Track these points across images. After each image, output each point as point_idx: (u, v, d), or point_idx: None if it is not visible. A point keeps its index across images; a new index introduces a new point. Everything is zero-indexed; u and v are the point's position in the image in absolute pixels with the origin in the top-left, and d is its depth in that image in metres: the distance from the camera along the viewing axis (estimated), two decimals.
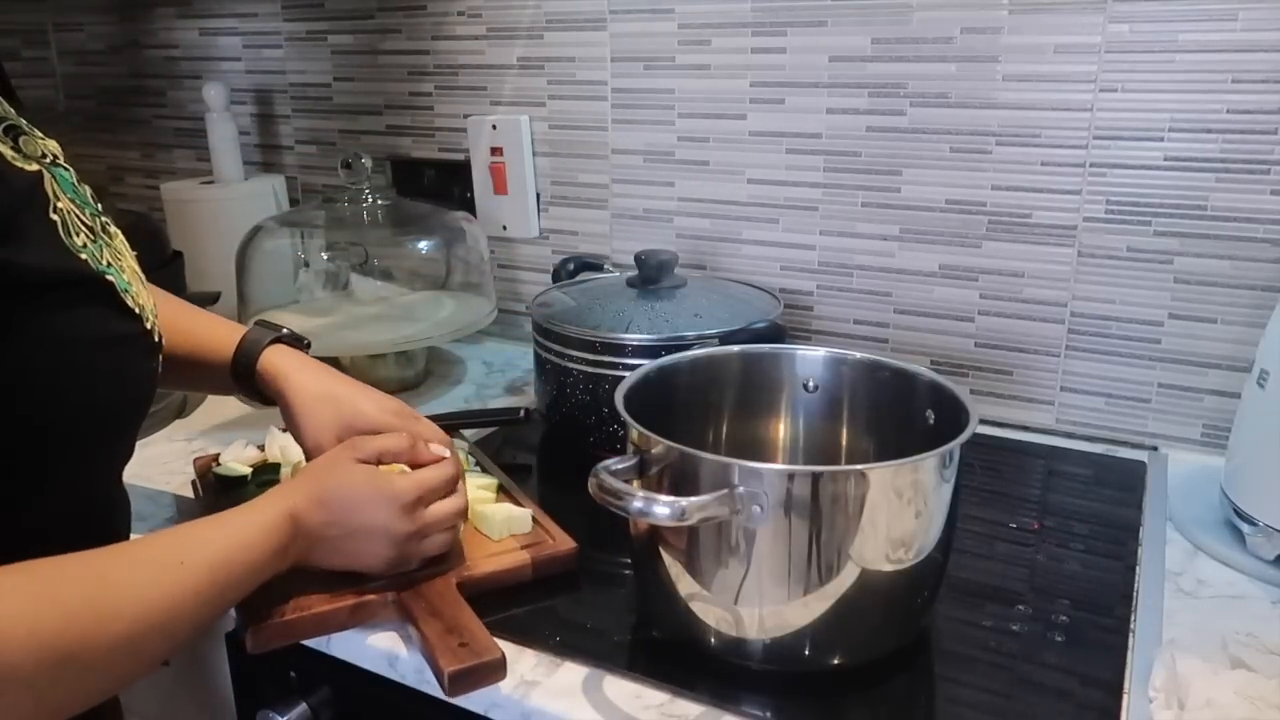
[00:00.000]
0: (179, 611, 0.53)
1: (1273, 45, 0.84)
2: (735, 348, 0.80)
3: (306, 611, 0.65)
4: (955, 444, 0.60)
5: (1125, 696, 0.60)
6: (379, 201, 1.16)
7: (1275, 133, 0.86)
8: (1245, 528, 0.75)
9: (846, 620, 0.60)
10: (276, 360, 0.75)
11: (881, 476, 0.58)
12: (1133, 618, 0.68)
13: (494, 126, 1.24)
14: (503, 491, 0.83)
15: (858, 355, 0.77)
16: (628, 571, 0.74)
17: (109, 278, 0.55)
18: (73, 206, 0.56)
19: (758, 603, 0.59)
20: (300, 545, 0.63)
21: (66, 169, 0.59)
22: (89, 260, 0.54)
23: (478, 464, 0.88)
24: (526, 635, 0.65)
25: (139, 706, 0.72)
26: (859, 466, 0.62)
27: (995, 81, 0.96)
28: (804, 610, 0.59)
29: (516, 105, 1.24)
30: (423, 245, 1.19)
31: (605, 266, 1.14)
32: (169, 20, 1.53)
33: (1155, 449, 0.96)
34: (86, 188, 0.60)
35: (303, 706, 0.72)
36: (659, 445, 0.61)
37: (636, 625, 0.68)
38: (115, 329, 0.55)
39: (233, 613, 0.71)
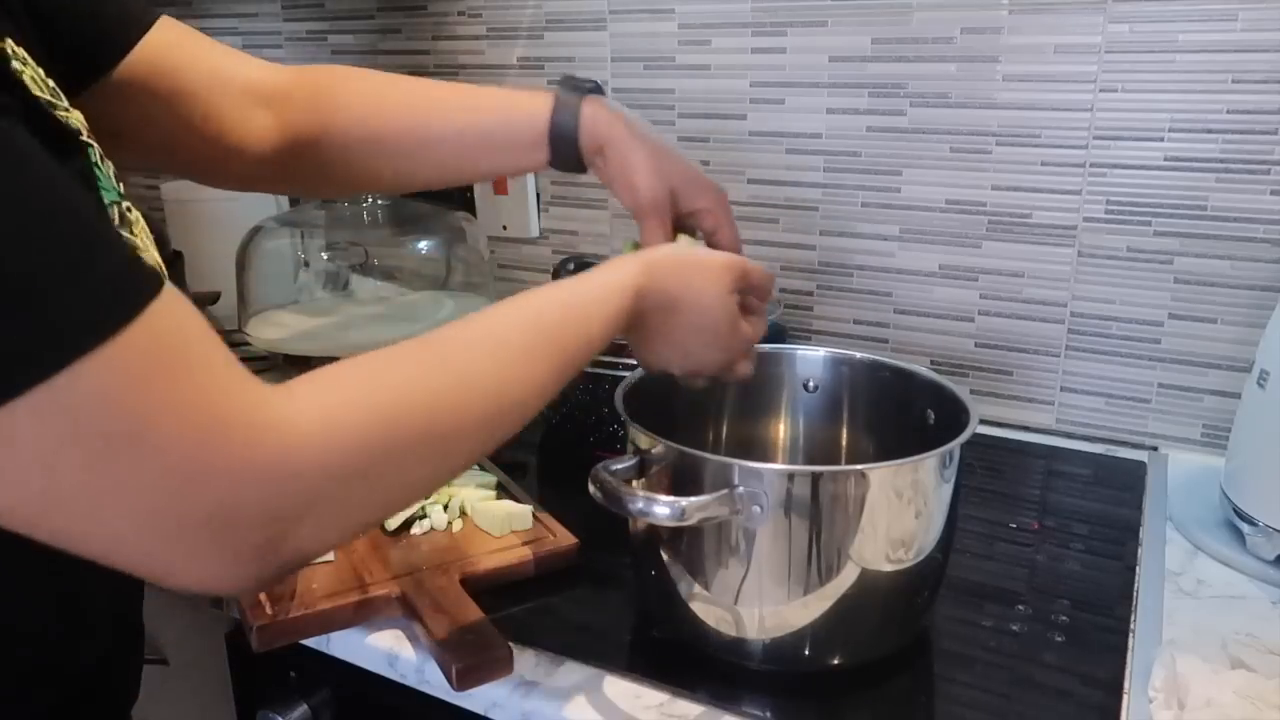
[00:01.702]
0: (532, 384, 0.50)
1: (1273, 45, 0.84)
2: None
3: (311, 609, 0.65)
4: (955, 444, 0.60)
5: (1125, 696, 0.60)
6: (379, 201, 1.16)
7: (1275, 133, 0.86)
8: (1245, 528, 0.75)
9: (846, 620, 0.60)
10: (597, 113, 0.70)
11: (882, 476, 0.58)
12: (1133, 618, 0.68)
13: None
14: (502, 490, 0.83)
15: (858, 355, 0.77)
16: (628, 571, 0.74)
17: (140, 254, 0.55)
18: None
19: (758, 603, 0.59)
20: (648, 321, 0.58)
21: (92, 144, 0.58)
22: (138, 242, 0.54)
23: (476, 462, 0.88)
24: (527, 635, 0.65)
25: (139, 706, 0.72)
26: (859, 466, 0.62)
27: (995, 81, 0.96)
28: (804, 610, 0.59)
29: None
30: (423, 245, 1.19)
31: None
32: None
33: (1155, 449, 0.96)
34: (110, 164, 0.60)
35: (303, 707, 0.72)
36: (659, 445, 0.61)
37: (636, 625, 0.68)
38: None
39: (233, 613, 0.72)
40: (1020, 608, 0.69)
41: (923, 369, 0.73)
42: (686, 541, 0.61)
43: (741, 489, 0.57)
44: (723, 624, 0.61)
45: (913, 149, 1.01)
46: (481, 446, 0.49)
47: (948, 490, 0.61)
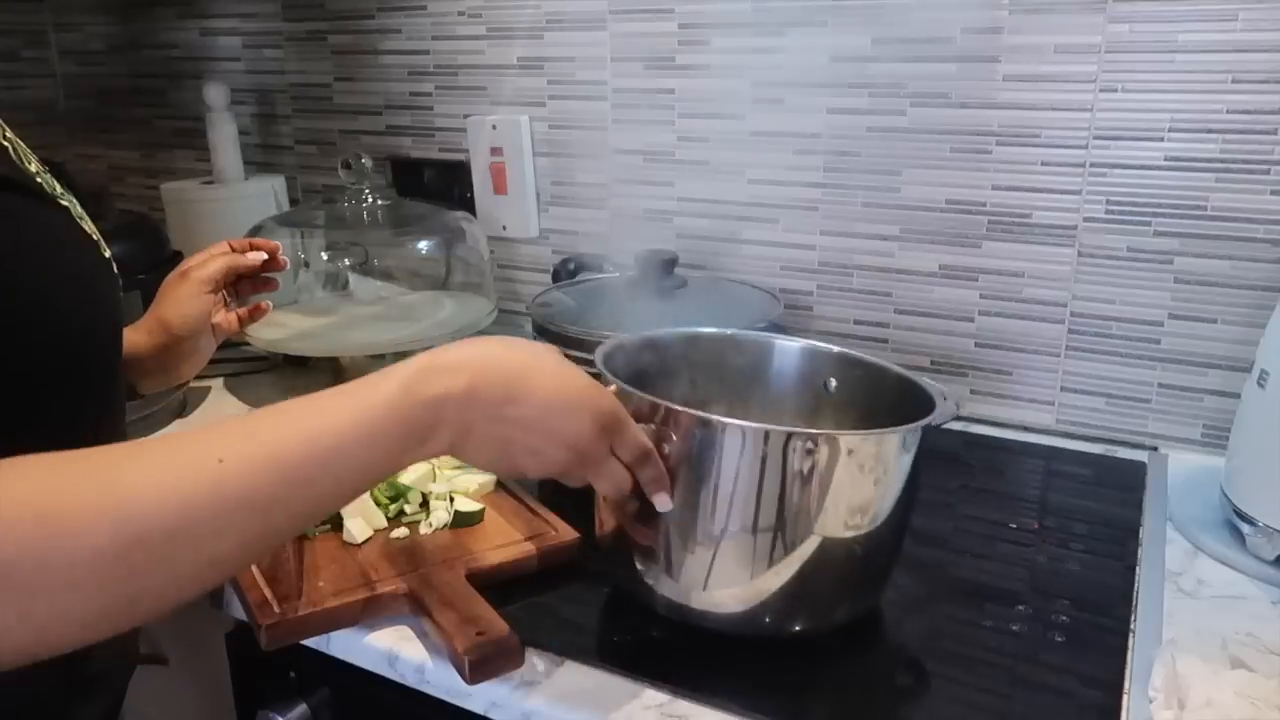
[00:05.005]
0: (207, 519, 0.42)
1: (1273, 45, 0.84)
2: (727, 331, 0.79)
3: (318, 607, 0.65)
4: (919, 424, 0.61)
5: (1125, 696, 0.60)
6: (379, 201, 1.16)
7: (1275, 133, 0.86)
8: (1245, 528, 0.75)
9: (807, 587, 0.61)
10: None
11: (849, 443, 0.59)
12: (1133, 618, 0.68)
13: (494, 126, 1.24)
14: (501, 488, 0.83)
15: (834, 349, 0.76)
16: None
17: (63, 203, 0.55)
18: (23, 145, 0.56)
19: (721, 569, 0.61)
20: (454, 429, 0.50)
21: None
22: (44, 185, 0.54)
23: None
24: (527, 635, 0.65)
25: (139, 706, 0.72)
26: (829, 431, 0.64)
27: (995, 81, 0.96)
28: (772, 575, 0.60)
29: (516, 105, 1.24)
30: (423, 245, 1.19)
31: (605, 266, 1.14)
32: (169, 20, 1.53)
33: (1155, 449, 0.96)
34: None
35: (303, 707, 0.72)
36: (642, 402, 0.61)
37: (636, 625, 0.68)
38: (74, 236, 0.55)
39: (233, 613, 0.72)
40: (1020, 608, 0.69)
41: (893, 365, 0.72)
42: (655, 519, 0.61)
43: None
44: (684, 590, 0.62)
45: (913, 149, 1.01)
46: (123, 590, 0.40)
47: (907, 461, 0.62)
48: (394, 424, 0.48)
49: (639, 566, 0.64)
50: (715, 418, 0.59)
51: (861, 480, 0.60)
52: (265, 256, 0.83)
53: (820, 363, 0.76)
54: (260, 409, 0.47)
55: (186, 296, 0.79)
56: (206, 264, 0.81)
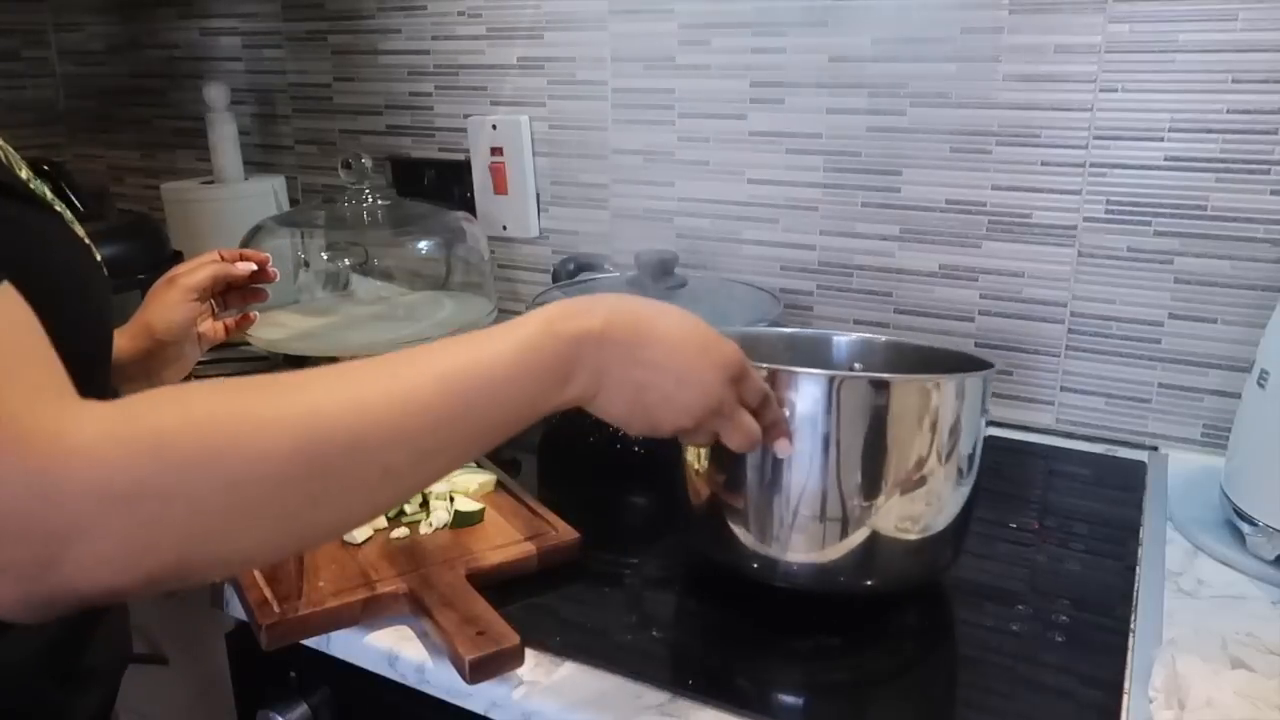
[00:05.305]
0: (384, 423, 0.43)
1: (1273, 45, 0.84)
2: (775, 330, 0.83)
3: (319, 607, 0.65)
4: (989, 371, 0.67)
5: (1125, 696, 0.60)
6: (379, 201, 1.16)
7: (1275, 133, 0.86)
8: (1245, 528, 0.75)
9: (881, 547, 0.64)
10: None
11: (953, 386, 0.64)
12: (1133, 618, 0.68)
13: (494, 126, 1.24)
14: (501, 488, 0.83)
15: (882, 339, 0.79)
16: (628, 570, 0.75)
17: (57, 208, 0.55)
18: (13, 152, 0.56)
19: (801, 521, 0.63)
20: (591, 371, 0.51)
21: None
22: (36, 191, 0.54)
23: (473, 460, 0.89)
24: (527, 635, 0.65)
25: (139, 706, 0.72)
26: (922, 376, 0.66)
27: (995, 81, 0.96)
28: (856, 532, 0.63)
29: (516, 105, 1.24)
30: (423, 245, 1.19)
31: (605, 266, 1.14)
32: (169, 20, 1.53)
33: (1155, 449, 0.96)
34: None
35: (303, 707, 0.72)
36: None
37: (636, 625, 0.68)
38: (66, 240, 0.55)
39: (233, 612, 0.72)
40: (1020, 608, 0.69)
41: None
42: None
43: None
44: (762, 544, 0.64)
45: (913, 149, 1.01)
46: (304, 490, 0.41)
47: (980, 421, 0.67)
48: (543, 357, 0.49)
49: (734, 532, 0.66)
50: (816, 371, 0.62)
51: (943, 422, 0.64)
52: (255, 267, 0.83)
53: (850, 351, 0.79)
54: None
55: (173, 303, 0.78)
56: (194, 271, 0.80)
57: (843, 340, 0.80)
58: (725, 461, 0.65)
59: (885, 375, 0.66)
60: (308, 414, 0.41)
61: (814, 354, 0.79)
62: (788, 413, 0.61)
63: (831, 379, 0.62)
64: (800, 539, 0.63)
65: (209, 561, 0.40)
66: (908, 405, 0.62)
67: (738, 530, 0.65)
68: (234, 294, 0.85)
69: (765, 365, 0.61)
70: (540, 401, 0.50)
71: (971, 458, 0.66)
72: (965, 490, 0.66)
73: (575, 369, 0.50)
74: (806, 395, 0.61)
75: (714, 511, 0.66)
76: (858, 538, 0.63)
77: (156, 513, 0.37)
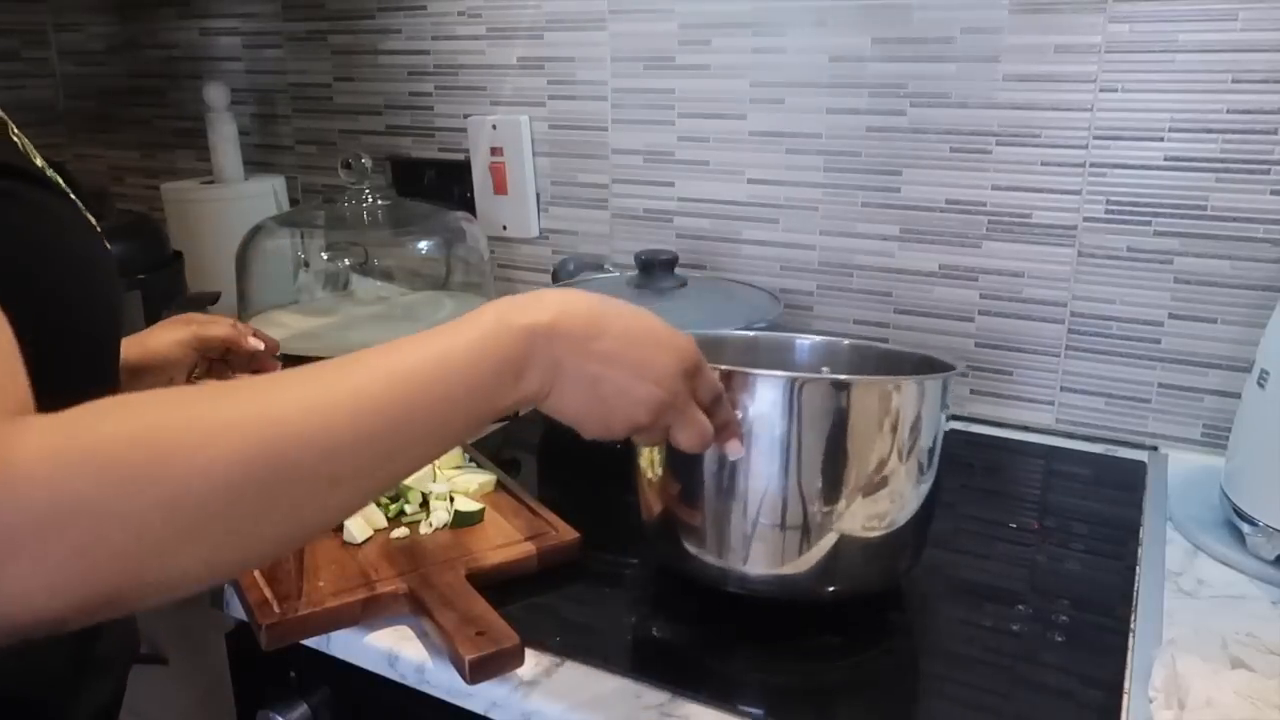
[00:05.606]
0: (342, 426, 0.42)
1: (1273, 45, 0.84)
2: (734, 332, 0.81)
3: (319, 607, 0.65)
4: (948, 375, 0.64)
5: (1125, 696, 0.60)
6: (379, 201, 1.16)
7: (1275, 133, 0.86)
8: (1245, 528, 0.75)
9: (844, 552, 0.63)
10: None
11: (910, 389, 0.61)
12: (1133, 618, 0.68)
13: (494, 126, 1.24)
14: (501, 488, 0.83)
15: (846, 342, 0.78)
16: (628, 570, 0.75)
17: (72, 197, 0.56)
18: (28, 142, 0.56)
19: (759, 529, 0.62)
20: (545, 366, 0.50)
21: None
22: (51, 178, 0.55)
23: (473, 460, 0.88)
24: (527, 635, 0.65)
25: (139, 706, 0.72)
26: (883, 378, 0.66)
27: (995, 81, 0.96)
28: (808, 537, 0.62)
29: (516, 105, 1.24)
30: (423, 245, 1.19)
31: (605, 266, 1.14)
32: (169, 20, 1.53)
33: (1155, 449, 0.96)
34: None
35: (303, 707, 0.72)
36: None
37: (636, 625, 0.68)
38: (81, 225, 0.56)
39: (233, 613, 0.72)
40: (1020, 608, 0.69)
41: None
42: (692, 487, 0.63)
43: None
44: (721, 553, 0.64)
45: (913, 149, 1.01)
46: (253, 502, 0.39)
47: (940, 420, 0.64)
48: (497, 350, 0.48)
49: (685, 544, 0.65)
50: (770, 373, 0.61)
51: (901, 425, 0.62)
52: (262, 347, 0.83)
53: (816, 355, 0.78)
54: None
55: (177, 340, 0.78)
56: (210, 325, 0.81)
57: (805, 343, 0.79)
58: (680, 468, 0.64)
59: (845, 377, 0.64)
60: (257, 421, 0.40)
61: (777, 357, 0.79)
62: (742, 415, 0.60)
63: (791, 381, 0.60)
64: (760, 547, 0.62)
65: (150, 583, 0.38)
66: (868, 407, 0.61)
67: (692, 542, 0.65)
68: (235, 360, 0.84)
69: (721, 366, 0.60)
70: (496, 397, 0.48)
71: (932, 452, 0.64)
72: (925, 489, 0.65)
73: (529, 363, 0.49)
74: (764, 398, 0.60)
75: (668, 521, 0.66)
76: (819, 542, 0.62)
77: (95, 534, 0.35)
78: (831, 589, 0.64)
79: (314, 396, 0.42)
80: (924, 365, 0.71)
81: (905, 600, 0.70)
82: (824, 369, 0.77)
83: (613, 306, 0.53)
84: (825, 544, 0.62)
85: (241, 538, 0.40)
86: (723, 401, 0.59)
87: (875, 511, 0.62)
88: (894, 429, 0.61)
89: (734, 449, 0.60)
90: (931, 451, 0.64)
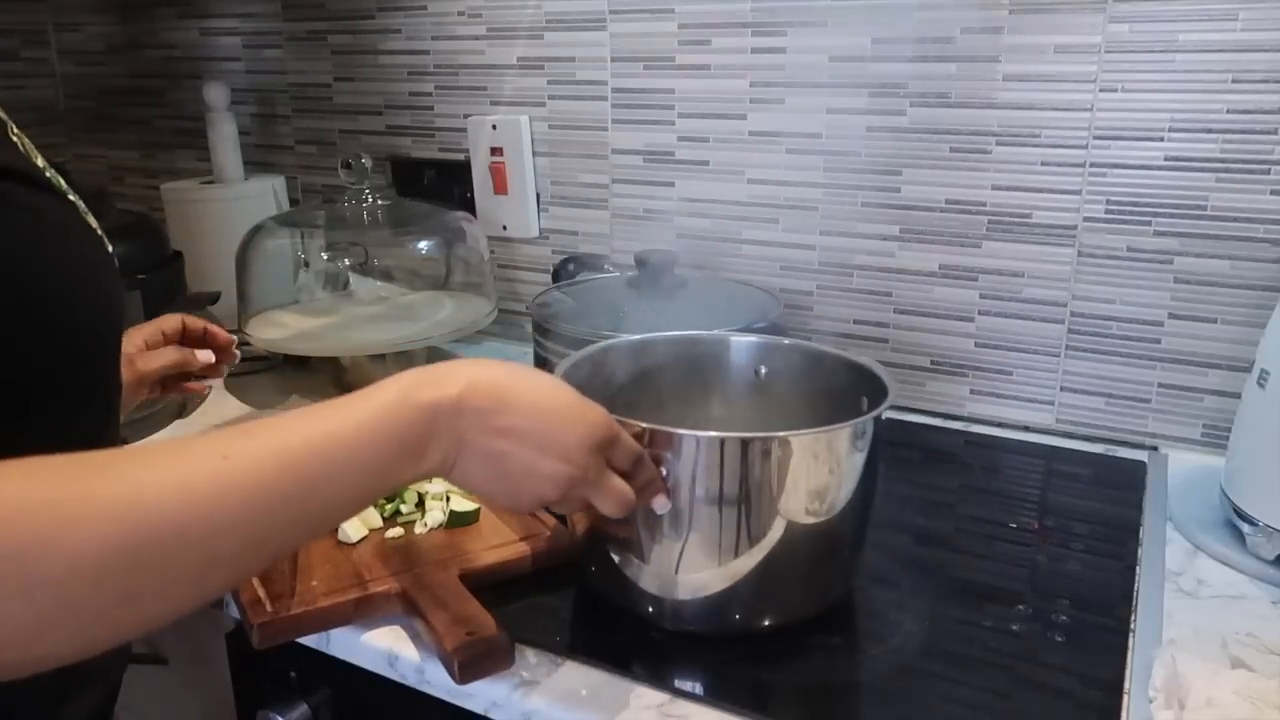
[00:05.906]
0: (213, 512, 0.41)
1: (1273, 45, 0.84)
2: (673, 335, 0.80)
3: (311, 606, 0.65)
4: (868, 417, 0.63)
5: (1125, 696, 0.60)
6: (379, 201, 1.16)
7: (1275, 133, 0.86)
8: (1245, 528, 0.75)
9: (774, 579, 0.63)
10: None
11: (801, 443, 0.61)
12: (1133, 618, 0.68)
13: (494, 126, 1.24)
14: None
15: (786, 341, 0.78)
16: (628, 571, 0.74)
17: (71, 198, 0.56)
18: (29, 143, 0.56)
19: (689, 564, 0.62)
20: (448, 442, 0.49)
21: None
22: (53, 180, 0.54)
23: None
24: (527, 635, 0.65)
25: (139, 706, 0.72)
26: (780, 434, 0.62)
27: (995, 81, 0.96)
28: (731, 570, 0.62)
29: (516, 105, 1.24)
30: (423, 245, 1.19)
31: (605, 266, 1.14)
32: (169, 20, 1.53)
33: (1155, 449, 0.96)
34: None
35: (303, 707, 0.72)
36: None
37: (636, 625, 0.68)
38: (82, 229, 0.55)
39: (233, 613, 0.72)
40: (1020, 608, 0.69)
41: (839, 352, 0.75)
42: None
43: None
44: (654, 586, 0.64)
45: (913, 149, 1.01)
46: (121, 587, 0.38)
47: (860, 459, 0.64)
48: (393, 429, 0.47)
49: (618, 567, 0.65)
50: (681, 431, 0.60)
51: (816, 470, 0.62)
52: (214, 358, 0.84)
53: (753, 354, 0.79)
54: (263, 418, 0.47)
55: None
56: (151, 359, 0.81)
57: (742, 342, 0.79)
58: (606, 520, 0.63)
59: (774, 434, 0.61)
60: (127, 502, 0.38)
61: (714, 357, 0.79)
62: (666, 471, 0.60)
63: (715, 441, 0.60)
64: (689, 579, 0.63)
65: (11, 666, 0.37)
66: (799, 459, 0.60)
67: (629, 574, 0.65)
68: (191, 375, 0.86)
69: (643, 424, 0.60)
70: (393, 474, 0.48)
71: (857, 492, 0.64)
72: (849, 527, 0.66)
73: (430, 440, 0.48)
74: (686, 456, 0.60)
75: (603, 555, 0.66)
76: (751, 572, 0.62)
77: None
78: (767, 622, 0.65)
79: (189, 477, 0.41)
80: (861, 376, 0.70)
81: (905, 600, 0.70)
82: (760, 369, 0.78)
83: (523, 380, 0.52)
84: (750, 579, 0.62)
85: (111, 620, 0.39)
86: (644, 462, 0.58)
87: (808, 543, 0.63)
88: (831, 472, 0.62)
89: (660, 504, 0.60)
90: (856, 491, 0.64)
